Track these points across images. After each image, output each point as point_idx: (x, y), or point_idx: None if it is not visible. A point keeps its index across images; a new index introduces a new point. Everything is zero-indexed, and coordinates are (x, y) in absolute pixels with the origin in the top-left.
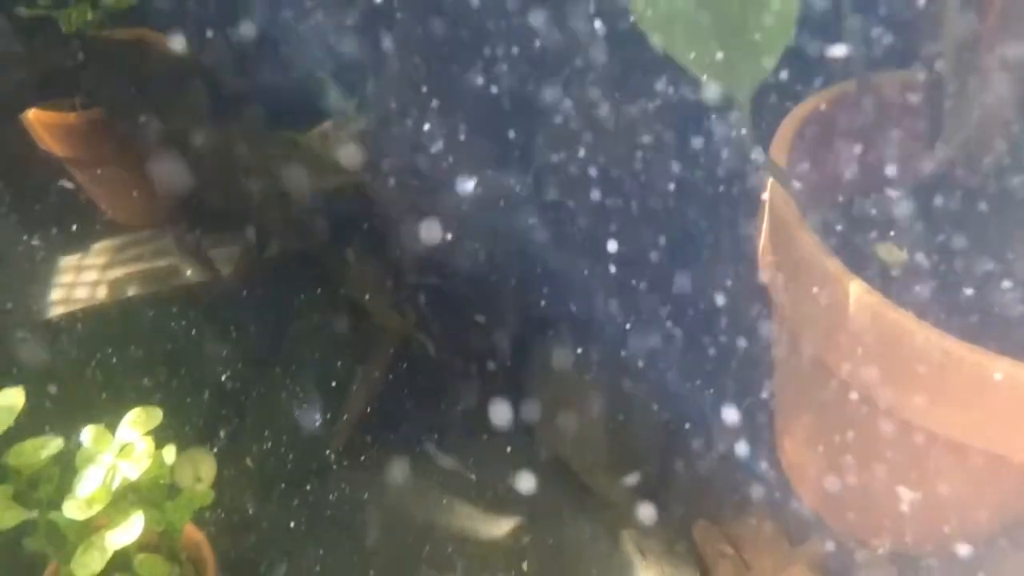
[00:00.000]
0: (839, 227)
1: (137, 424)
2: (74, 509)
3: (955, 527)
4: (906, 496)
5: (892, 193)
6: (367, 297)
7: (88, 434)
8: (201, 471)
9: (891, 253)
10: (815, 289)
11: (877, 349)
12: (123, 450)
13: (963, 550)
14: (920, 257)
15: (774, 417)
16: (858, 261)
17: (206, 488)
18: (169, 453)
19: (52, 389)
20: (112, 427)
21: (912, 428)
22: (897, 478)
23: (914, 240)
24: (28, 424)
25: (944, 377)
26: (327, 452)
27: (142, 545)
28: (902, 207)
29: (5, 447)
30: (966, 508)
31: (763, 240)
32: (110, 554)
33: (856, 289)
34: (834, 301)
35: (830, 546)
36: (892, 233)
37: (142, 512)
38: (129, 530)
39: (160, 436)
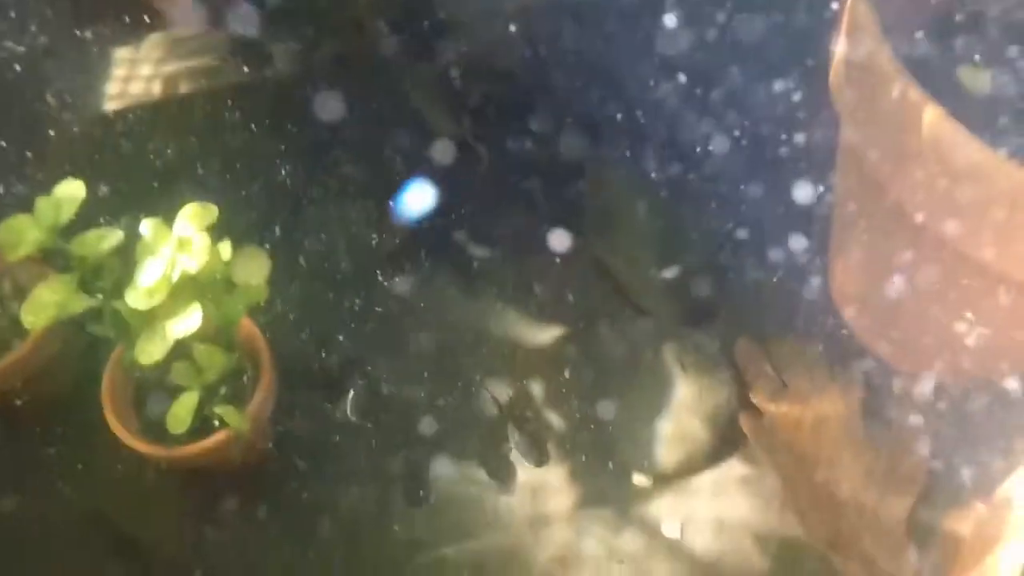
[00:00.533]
0: (920, 48)
1: (193, 219)
2: (136, 298)
3: (1003, 364)
4: (957, 329)
5: (979, 14)
6: (422, 102)
7: (147, 227)
8: (256, 268)
9: (974, 76)
10: (888, 111)
11: (946, 178)
12: (181, 244)
13: (1011, 386)
14: (1002, 82)
15: (829, 240)
16: (937, 85)
17: (261, 284)
18: (225, 249)
19: (109, 182)
20: (169, 221)
21: (972, 261)
22: (950, 311)
23: (998, 65)
24: (88, 216)
25: (1015, 212)
26: (381, 254)
27: (201, 336)
28: (989, 30)
29: (68, 237)
30: (1018, 347)
31: (838, 54)
32: (171, 342)
33: (931, 114)
34: (906, 125)
35: (871, 372)
36: (976, 57)
37: (200, 304)
38: (188, 320)
39: (216, 232)
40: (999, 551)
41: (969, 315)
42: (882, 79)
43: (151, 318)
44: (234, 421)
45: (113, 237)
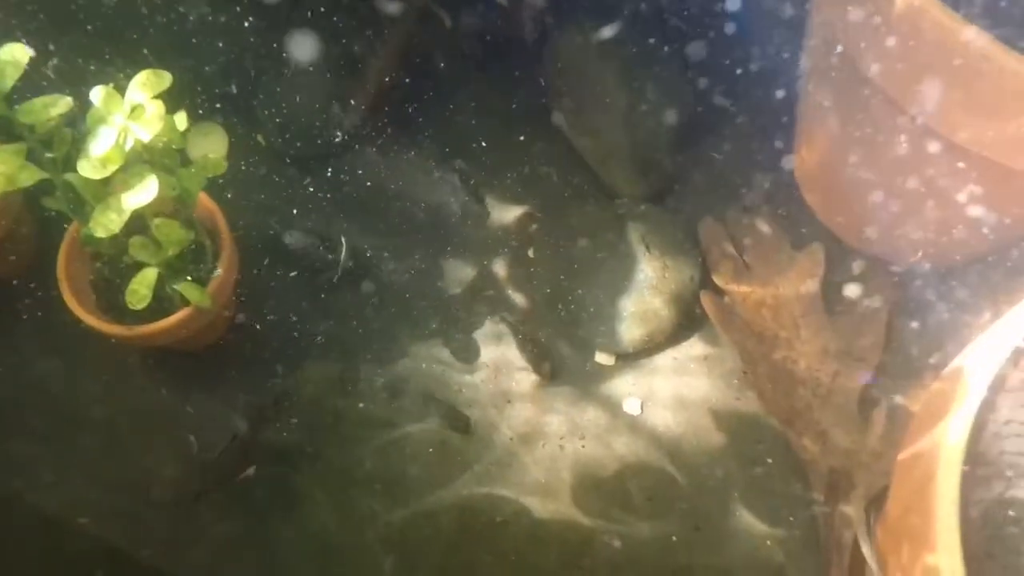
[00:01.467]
0: None
1: (146, 86)
2: (89, 168)
3: (961, 244)
4: (920, 210)
5: None
6: None
7: (98, 94)
8: (213, 142)
9: None
10: None
11: (917, 52)
12: (134, 111)
13: (968, 266)
14: None
15: (796, 123)
16: None
17: (219, 158)
18: (181, 119)
19: (54, 50)
20: (121, 91)
21: (941, 139)
22: (914, 192)
23: None
24: (34, 86)
25: (992, 87)
26: (340, 130)
27: (158, 211)
28: None
29: (13, 105)
30: (984, 225)
31: None
32: (127, 215)
33: None
34: None
35: (831, 252)
36: None
37: (156, 176)
38: (144, 192)
39: (170, 105)
40: (948, 420)
41: (933, 195)
42: None
43: (105, 191)
44: (195, 297)
45: (62, 104)
